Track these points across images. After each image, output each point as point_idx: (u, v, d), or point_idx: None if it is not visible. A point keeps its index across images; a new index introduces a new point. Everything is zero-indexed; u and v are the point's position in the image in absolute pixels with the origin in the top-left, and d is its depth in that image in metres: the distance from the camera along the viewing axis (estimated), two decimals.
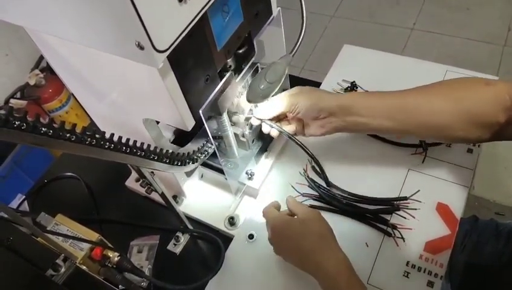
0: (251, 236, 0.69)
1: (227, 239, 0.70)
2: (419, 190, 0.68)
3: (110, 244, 0.64)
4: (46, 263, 0.59)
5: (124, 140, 0.42)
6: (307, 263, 0.56)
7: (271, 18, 0.61)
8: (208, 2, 0.42)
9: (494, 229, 0.80)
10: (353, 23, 2.27)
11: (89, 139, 0.36)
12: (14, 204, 0.84)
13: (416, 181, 0.71)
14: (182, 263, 0.71)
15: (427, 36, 2.09)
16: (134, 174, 0.80)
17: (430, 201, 0.68)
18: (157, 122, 0.62)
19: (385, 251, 0.64)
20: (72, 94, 1.14)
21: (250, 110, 0.66)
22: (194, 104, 0.51)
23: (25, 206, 0.84)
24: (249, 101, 0.62)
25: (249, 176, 0.72)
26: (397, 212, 0.67)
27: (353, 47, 0.96)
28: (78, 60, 0.53)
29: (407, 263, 0.63)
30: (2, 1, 0.43)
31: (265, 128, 0.65)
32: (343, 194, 0.70)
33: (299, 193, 0.72)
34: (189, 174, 0.76)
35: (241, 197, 0.75)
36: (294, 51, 0.66)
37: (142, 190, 0.65)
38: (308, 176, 0.74)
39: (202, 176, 0.79)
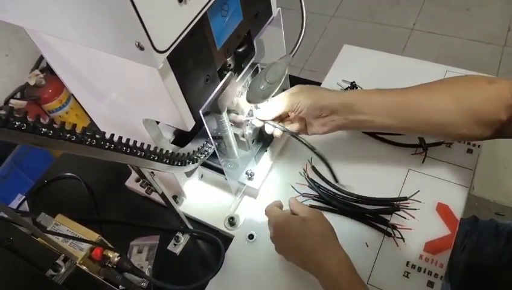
0: (251, 236, 0.69)
1: (227, 239, 0.70)
2: (419, 190, 0.68)
3: (110, 245, 0.64)
4: (46, 263, 0.59)
5: (124, 140, 0.42)
6: (308, 262, 0.56)
7: (271, 18, 0.61)
8: (208, 2, 0.42)
9: (494, 229, 0.80)
10: (353, 23, 2.27)
11: (89, 139, 0.36)
12: (14, 204, 0.84)
13: (416, 181, 0.71)
14: (182, 263, 0.71)
15: (427, 36, 2.09)
16: (134, 175, 0.81)
17: (430, 201, 0.68)
18: (157, 123, 0.62)
19: (385, 251, 0.64)
20: (72, 94, 1.13)
21: (250, 110, 0.66)
22: (194, 105, 0.51)
23: (25, 207, 0.84)
24: (249, 101, 0.62)
25: (249, 176, 0.72)
26: (397, 212, 0.67)
27: (353, 47, 0.96)
28: (78, 60, 0.53)
29: (407, 263, 0.63)
30: (2, 1, 0.43)
31: (269, 129, 0.65)
32: (343, 194, 0.71)
33: (299, 193, 0.73)
34: (189, 174, 0.76)
35: (241, 197, 0.75)
36: (294, 51, 0.66)
37: (142, 190, 0.65)
38: (308, 176, 0.74)
39: (202, 176, 0.79)
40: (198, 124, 0.54)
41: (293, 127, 0.65)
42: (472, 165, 0.72)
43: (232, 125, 0.67)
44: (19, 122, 0.30)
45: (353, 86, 0.85)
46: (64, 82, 0.60)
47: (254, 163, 0.74)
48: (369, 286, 0.61)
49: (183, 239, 0.73)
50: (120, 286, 0.62)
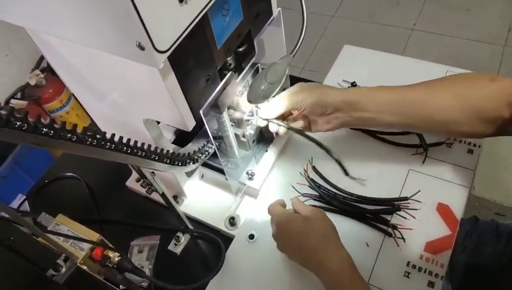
0: (251, 236, 0.69)
1: (228, 239, 0.70)
2: (419, 190, 0.68)
3: (110, 245, 0.64)
4: (47, 263, 0.59)
5: (124, 140, 0.42)
6: (309, 260, 0.56)
7: (271, 18, 0.61)
8: (209, 2, 0.42)
9: (495, 229, 0.80)
10: (353, 24, 2.27)
11: (89, 139, 0.36)
12: (14, 204, 0.84)
13: (417, 181, 0.71)
14: (183, 263, 0.71)
15: (427, 36, 2.09)
16: (134, 175, 0.81)
17: (431, 201, 0.68)
18: (158, 123, 0.62)
19: (386, 251, 0.64)
20: (73, 94, 1.13)
21: (251, 111, 0.66)
22: (195, 104, 0.51)
23: (26, 207, 0.84)
24: (250, 101, 0.62)
25: (250, 176, 0.72)
26: (398, 212, 0.67)
27: (353, 47, 0.96)
28: (79, 60, 0.53)
29: (408, 263, 0.63)
30: (3, 1, 0.43)
31: (273, 128, 0.65)
32: (344, 194, 0.71)
33: (300, 193, 0.73)
34: (189, 174, 0.76)
35: (241, 197, 0.75)
36: (295, 51, 0.66)
37: (143, 190, 0.65)
38: (308, 176, 0.74)
39: (203, 176, 0.80)
40: (199, 124, 0.54)
41: (297, 124, 0.65)
42: (472, 165, 0.72)
43: (232, 125, 0.67)
44: (20, 122, 0.30)
45: (353, 86, 0.85)
46: (65, 82, 0.60)
47: (254, 163, 0.74)
48: (370, 286, 0.61)
49: (184, 239, 0.73)
50: (121, 286, 0.62)
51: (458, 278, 0.78)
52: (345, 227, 0.68)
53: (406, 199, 0.68)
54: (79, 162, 0.89)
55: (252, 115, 0.66)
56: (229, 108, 0.66)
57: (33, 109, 1.48)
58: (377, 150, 0.76)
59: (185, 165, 0.58)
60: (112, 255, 0.61)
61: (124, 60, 0.40)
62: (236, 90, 0.62)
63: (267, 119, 0.64)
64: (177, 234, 0.73)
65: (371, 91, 0.61)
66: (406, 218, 0.67)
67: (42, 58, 1.50)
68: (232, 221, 0.72)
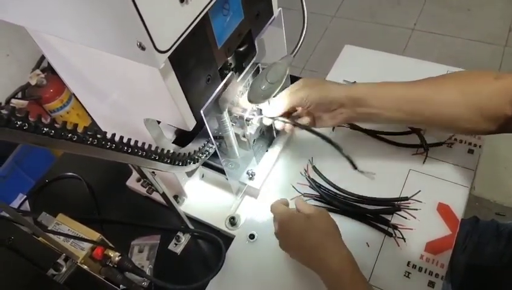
0: (252, 236, 0.69)
1: (228, 239, 0.70)
2: (420, 190, 0.68)
3: (111, 244, 0.64)
4: (47, 263, 0.59)
5: (125, 140, 0.42)
6: (310, 259, 0.56)
7: (272, 18, 0.61)
8: (210, 2, 0.42)
9: (495, 230, 0.80)
10: (354, 24, 2.27)
11: (90, 139, 0.36)
12: (15, 204, 0.84)
13: (417, 181, 0.71)
14: (183, 263, 0.71)
15: (428, 36, 2.09)
16: (135, 174, 0.81)
17: (431, 201, 0.68)
18: (159, 122, 0.62)
19: (386, 251, 0.64)
20: (73, 94, 1.13)
21: (251, 111, 0.66)
22: (195, 104, 0.51)
23: (26, 206, 0.84)
24: (250, 101, 0.62)
25: (250, 176, 0.72)
26: (398, 212, 0.67)
27: (354, 47, 0.96)
28: (79, 60, 0.53)
29: (408, 263, 0.63)
30: (3, 1, 0.43)
31: (279, 125, 0.65)
32: (344, 194, 0.71)
33: (300, 193, 0.73)
34: (190, 174, 0.76)
35: (242, 197, 0.75)
36: (295, 51, 0.66)
37: (143, 190, 0.65)
38: (308, 176, 0.74)
39: (203, 176, 0.80)
40: (199, 124, 0.54)
41: (302, 121, 0.65)
42: (473, 166, 0.72)
43: (233, 125, 0.67)
44: (21, 122, 0.30)
45: None
46: (66, 82, 0.60)
47: (255, 163, 0.74)
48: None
49: (184, 239, 0.73)
50: (121, 286, 0.62)
51: (458, 278, 0.78)
52: (346, 227, 0.67)
53: (406, 199, 0.68)
54: (79, 162, 0.89)
55: (253, 115, 0.66)
56: (229, 108, 0.66)
57: (34, 108, 1.48)
58: (378, 150, 0.76)
59: (185, 165, 0.58)
60: (112, 255, 0.61)
61: (125, 60, 0.40)
62: (237, 90, 0.62)
63: (272, 117, 0.64)
64: (178, 233, 0.73)
65: (375, 87, 0.61)
66: (406, 218, 0.67)
67: (43, 58, 1.50)
68: (233, 221, 0.72)
